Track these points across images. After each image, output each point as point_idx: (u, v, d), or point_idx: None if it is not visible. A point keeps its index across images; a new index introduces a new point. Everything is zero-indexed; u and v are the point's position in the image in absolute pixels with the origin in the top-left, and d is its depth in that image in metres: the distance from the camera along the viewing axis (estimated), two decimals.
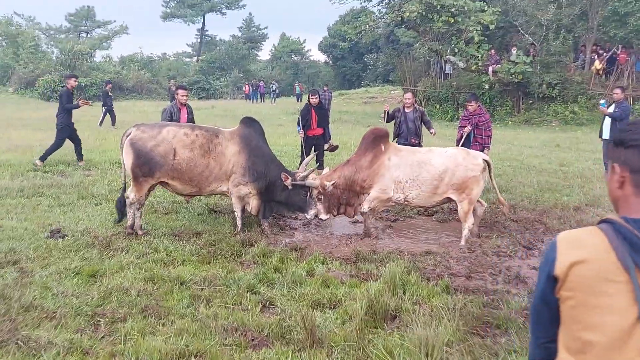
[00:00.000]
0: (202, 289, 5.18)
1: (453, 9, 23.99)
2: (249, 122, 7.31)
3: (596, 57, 25.43)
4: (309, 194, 7.12)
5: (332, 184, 7.10)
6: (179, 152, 6.65)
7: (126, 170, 6.81)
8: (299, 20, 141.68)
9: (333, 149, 9.92)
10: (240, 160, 6.93)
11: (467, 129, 9.21)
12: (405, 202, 7.30)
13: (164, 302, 4.87)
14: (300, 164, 8.31)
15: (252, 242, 6.58)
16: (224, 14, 65.88)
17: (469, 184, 6.98)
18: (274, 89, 43.15)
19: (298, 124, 9.99)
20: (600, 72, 25.02)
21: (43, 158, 11.15)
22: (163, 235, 6.85)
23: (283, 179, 7.02)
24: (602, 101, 11.27)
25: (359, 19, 29.79)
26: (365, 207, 7.16)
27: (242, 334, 4.25)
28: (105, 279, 5.31)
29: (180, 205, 8.34)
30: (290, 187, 7.05)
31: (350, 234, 7.38)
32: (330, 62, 61.79)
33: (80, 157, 11.64)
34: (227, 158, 6.88)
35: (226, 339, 4.16)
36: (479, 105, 9.44)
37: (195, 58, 64.27)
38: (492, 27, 24.67)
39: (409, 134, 9.35)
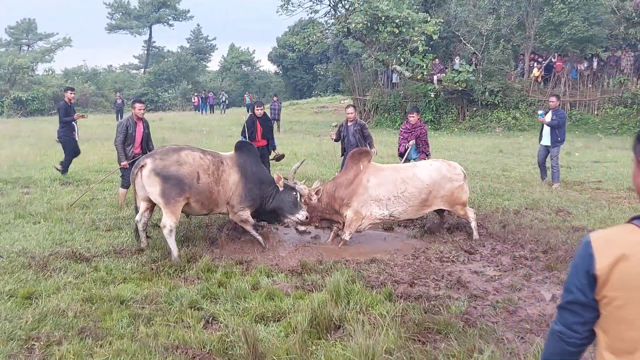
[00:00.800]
0: (142, 307, 5.06)
1: (397, 20, 24.49)
2: (244, 148, 7.40)
3: (534, 65, 26.42)
4: (298, 195, 7.26)
5: (317, 195, 7.33)
6: (200, 176, 6.76)
7: (155, 200, 6.65)
8: (248, 31, 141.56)
9: (279, 158, 9.89)
10: (238, 189, 7.10)
11: (412, 142, 9.38)
12: (391, 218, 7.52)
13: (102, 322, 4.73)
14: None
15: (196, 257, 6.49)
16: (171, 25, 65.34)
17: (456, 193, 7.49)
18: (224, 99, 42.86)
19: (242, 134, 9.91)
20: (539, 79, 26.01)
21: (64, 171, 11.81)
22: (104, 253, 6.67)
23: (276, 180, 7.25)
24: (540, 111, 11.81)
25: (306, 30, 29.97)
26: (347, 235, 7.34)
27: (183, 352, 4.17)
28: (41, 300, 5.11)
29: (123, 221, 8.15)
30: (281, 190, 7.23)
31: (297, 245, 7.37)
32: (281, 72, 61.93)
33: (65, 169, 11.92)
34: (229, 185, 7.05)
35: (166, 358, 4.08)
36: (419, 118, 9.66)
37: (143, 70, 63.28)
38: (435, 37, 25.32)
39: (349, 146, 9.42)
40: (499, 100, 25.41)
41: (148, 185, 6.58)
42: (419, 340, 4.37)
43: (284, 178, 7.38)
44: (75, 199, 9.40)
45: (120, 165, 8.90)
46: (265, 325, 4.74)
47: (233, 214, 7.16)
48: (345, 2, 27.13)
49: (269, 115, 25.37)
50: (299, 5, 27.11)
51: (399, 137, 9.81)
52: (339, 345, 4.27)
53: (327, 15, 28.78)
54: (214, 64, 73.29)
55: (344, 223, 7.42)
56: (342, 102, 38.65)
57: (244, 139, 9.67)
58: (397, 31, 24.88)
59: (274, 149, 9.94)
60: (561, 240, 7.14)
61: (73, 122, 11.76)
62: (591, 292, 1.65)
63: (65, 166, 11.87)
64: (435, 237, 7.59)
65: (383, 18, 24.65)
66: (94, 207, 9.13)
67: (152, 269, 6.10)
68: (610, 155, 16.40)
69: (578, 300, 1.69)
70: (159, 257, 6.42)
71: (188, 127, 26.85)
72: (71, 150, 11.82)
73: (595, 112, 24.71)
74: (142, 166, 6.62)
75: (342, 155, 9.87)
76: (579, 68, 25.81)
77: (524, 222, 8.19)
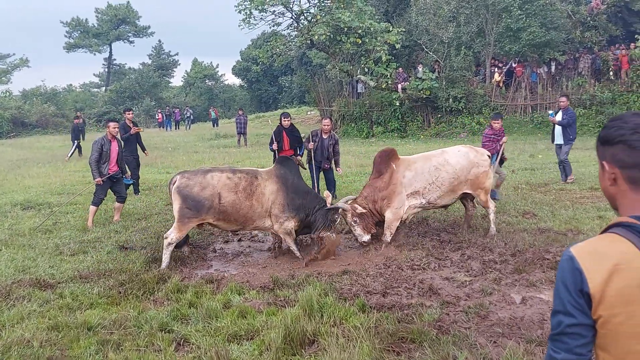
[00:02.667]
0: (111, 332, 4.93)
1: (360, 31, 24.74)
2: (284, 161, 7.64)
3: (495, 70, 26.96)
4: (338, 218, 7.46)
5: (360, 204, 7.54)
6: (223, 195, 6.93)
7: (174, 213, 7.09)
8: (211, 45, 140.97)
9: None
10: (278, 197, 7.21)
11: (505, 139, 9.95)
12: (429, 205, 7.82)
13: (69, 351, 4.59)
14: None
15: (165, 278, 6.37)
16: (131, 42, 64.72)
17: (481, 178, 7.83)
18: (189, 115, 42.50)
19: (270, 144, 10.34)
20: (500, 84, 26.54)
21: (136, 191, 12.13)
22: (69, 278, 6.49)
23: (325, 196, 7.42)
24: (550, 111, 12.43)
25: (270, 42, 30.01)
26: (387, 236, 7.58)
27: None
28: (5, 332, 4.94)
29: (88, 245, 7.96)
30: (327, 207, 7.34)
31: (267, 261, 7.30)
32: (245, 85, 61.76)
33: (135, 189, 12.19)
34: (267, 197, 7.18)
35: None
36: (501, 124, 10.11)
37: (104, 88, 62.32)
38: (398, 46, 25.64)
39: (322, 158, 9.93)
40: (463, 106, 25.82)
41: (173, 200, 7.05)
42: (394, 351, 4.36)
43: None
44: (39, 223, 9.17)
45: (95, 181, 9.17)
46: (238, 344, 4.66)
47: (279, 225, 7.24)
48: (308, 14, 27.28)
49: (236, 129, 25.39)
50: (261, 18, 27.14)
51: (482, 143, 10.01)
52: None
53: (290, 28, 28.89)
54: (177, 80, 72.80)
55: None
56: (308, 113, 38.74)
57: (271, 149, 10.28)
58: (360, 41, 25.13)
59: (302, 155, 10.40)
60: (528, 242, 7.24)
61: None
62: (589, 311, 1.55)
63: (136, 188, 12.15)
64: (405, 244, 7.61)
65: (345, 29, 24.88)
66: (58, 231, 8.90)
67: (120, 292, 5.95)
68: (572, 156, 16.73)
69: (582, 322, 1.56)
70: (126, 280, 6.27)
71: (153, 144, 26.48)
72: (134, 169, 11.76)
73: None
74: (173, 182, 7.11)
75: (307, 162, 10.04)
76: (538, 72, 26.41)
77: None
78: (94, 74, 71.90)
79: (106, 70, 65.58)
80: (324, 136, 9.99)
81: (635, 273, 1.50)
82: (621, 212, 1.65)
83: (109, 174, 9.21)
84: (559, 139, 12.01)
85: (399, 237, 7.85)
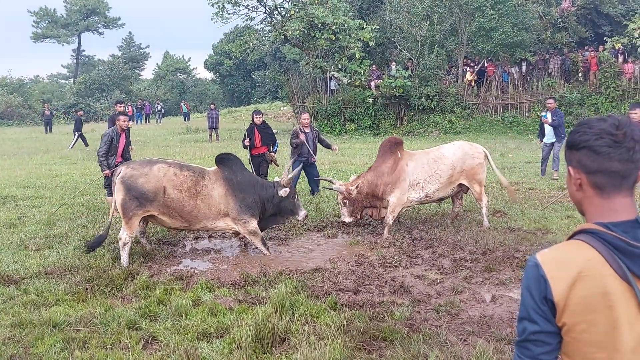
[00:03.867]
0: (77, 330, 4.82)
1: (334, 27, 24.69)
2: (225, 159, 7.35)
3: (467, 69, 27.23)
4: (296, 196, 7.38)
5: (356, 188, 7.82)
6: (168, 190, 6.78)
7: (118, 208, 6.84)
8: (183, 38, 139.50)
9: (270, 160, 10.51)
10: (230, 202, 7.10)
11: None
12: (427, 199, 8.15)
13: (33, 348, 4.47)
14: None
15: (133, 274, 6.25)
16: (101, 33, 63.44)
17: (476, 169, 8.20)
18: (159, 109, 41.90)
19: (243, 141, 10.47)
20: (472, 84, 26.81)
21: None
22: (34, 274, 6.32)
23: (283, 194, 7.28)
24: (543, 113, 12.82)
25: (243, 37, 29.75)
26: (390, 219, 7.92)
27: None
28: None
29: (54, 240, 7.77)
30: (284, 196, 7.28)
31: (238, 258, 7.23)
32: (218, 79, 61.19)
33: None
34: (215, 199, 7.05)
35: None
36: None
37: (72, 80, 61.02)
38: (371, 43, 25.69)
39: (309, 153, 10.33)
40: (435, 105, 26.01)
41: (116, 191, 6.81)
42: (365, 349, 4.35)
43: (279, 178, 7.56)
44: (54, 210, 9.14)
45: (103, 173, 9.24)
46: (208, 342, 4.60)
47: (242, 228, 7.18)
48: (281, 9, 27.12)
49: (207, 124, 25.17)
50: (234, 12, 26.87)
51: None
52: (284, 359, 4.20)
53: (264, 23, 28.67)
54: (148, 73, 71.80)
55: (379, 208, 8.05)
56: (281, 108, 38.59)
57: (245, 146, 10.39)
58: (334, 38, 25.10)
59: (275, 152, 10.60)
60: (499, 241, 7.32)
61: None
62: (554, 319, 1.56)
63: None
64: (377, 242, 7.62)
65: (319, 25, 24.81)
66: (23, 225, 8.67)
67: (87, 289, 5.83)
68: (538, 155, 17.02)
69: (546, 330, 1.56)
70: (93, 277, 6.13)
71: None
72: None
73: (526, 114, 25.69)
74: (117, 173, 6.90)
75: (293, 163, 10.01)
76: (510, 72, 26.77)
77: (463, 224, 8.36)
78: (62, 65, 70.56)
79: (75, 61, 64.19)
80: (307, 130, 10.25)
81: (599, 281, 1.50)
82: (587, 218, 1.65)
83: (115, 165, 9.12)
84: (549, 138, 12.67)
85: (380, 236, 7.88)
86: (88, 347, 4.50)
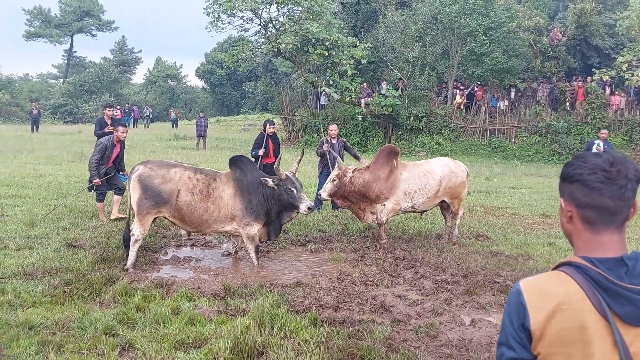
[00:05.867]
0: (53, 333, 4.75)
1: (327, 43, 24.89)
2: (237, 161, 7.36)
3: (457, 92, 27.52)
4: (294, 189, 7.16)
5: (352, 174, 7.99)
6: (182, 193, 6.88)
7: (132, 206, 6.94)
8: (176, 45, 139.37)
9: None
10: (237, 202, 7.12)
11: None
12: (412, 210, 8.47)
13: (8, 350, 4.40)
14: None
15: (113, 279, 6.18)
16: (94, 35, 63.22)
17: (459, 187, 8.54)
18: (148, 114, 41.72)
19: (253, 150, 10.44)
20: (461, 107, 27.09)
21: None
22: (12, 274, 6.23)
23: (264, 182, 7.14)
24: (597, 141, 13.02)
25: (236, 47, 29.83)
26: (383, 218, 8.17)
27: None
28: None
29: (35, 240, 7.67)
30: (276, 188, 7.14)
31: (220, 268, 7.19)
32: (208, 88, 61.18)
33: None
34: (225, 201, 7.09)
35: None
36: None
37: (62, 80, 60.63)
38: (363, 61, 25.91)
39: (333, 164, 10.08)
40: (423, 126, 26.21)
41: (131, 189, 6.87)
42: None
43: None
44: (46, 214, 9.11)
45: (93, 182, 9.14)
46: (185, 352, 4.55)
47: (242, 229, 7.17)
48: (276, 22, 27.27)
49: (195, 132, 25.18)
50: (229, 23, 26.97)
51: None
52: None
53: (258, 34, 28.79)
54: (138, 77, 71.61)
55: (363, 209, 8.23)
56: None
57: (254, 154, 10.29)
58: (327, 54, 25.28)
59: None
60: (480, 265, 7.37)
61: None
62: (530, 347, 1.58)
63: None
64: (360, 260, 7.63)
65: (313, 40, 24.99)
66: (3, 224, 8.55)
67: (65, 292, 5.75)
68: (525, 181, 17.23)
69: (522, 357, 1.58)
70: (72, 280, 6.06)
71: None
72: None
73: (513, 140, 25.98)
74: (135, 170, 6.94)
75: (320, 173, 10.17)
76: (498, 105, 27.07)
77: (446, 246, 8.40)
78: (53, 65, 70.17)
79: (66, 62, 63.83)
80: (333, 141, 10.24)
81: (577, 315, 1.52)
82: (575, 251, 1.67)
83: (106, 174, 9.27)
84: None
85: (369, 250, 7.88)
86: (64, 351, 4.44)
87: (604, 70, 25.50)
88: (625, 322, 1.53)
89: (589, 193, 1.60)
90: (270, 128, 10.63)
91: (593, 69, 27.26)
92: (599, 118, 24.29)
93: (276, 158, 10.25)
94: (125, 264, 6.77)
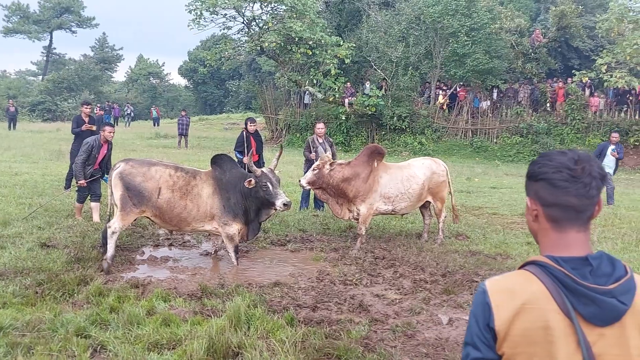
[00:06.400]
0: (23, 335, 4.63)
1: (311, 42, 24.86)
2: (218, 159, 7.31)
3: (440, 93, 27.65)
4: (270, 185, 7.02)
5: (331, 167, 7.92)
6: (162, 191, 6.85)
7: (114, 200, 6.96)
8: (158, 43, 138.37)
9: None
10: (215, 201, 7.06)
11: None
12: (392, 213, 8.40)
13: None
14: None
15: (87, 279, 6.06)
16: (74, 32, 62.41)
17: (441, 187, 8.52)
18: (129, 112, 41.29)
19: (235, 149, 10.13)
20: (444, 107, 27.23)
21: (67, 187, 11.15)
22: None
23: (247, 185, 6.97)
24: (612, 147, 13.23)
25: (219, 45, 29.66)
26: (362, 230, 8.11)
27: None
28: None
29: (7, 240, 7.50)
30: (254, 186, 7.00)
31: (197, 268, 7.10)
32: (191, 86, 60.81)
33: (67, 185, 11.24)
34: (203, 199, 7.03)
35: None
36: None
37: (41, 77, 59.78)
38: (347, 61, 25.92)
39: None
40: (406, 126, 26.30)
41: (113, 185, 6.88)
42: None
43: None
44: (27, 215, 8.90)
45: (78, 183, 9.01)
46: (158, 353, 4.47)
47: (222, 229, 7.10)
48: (259, 20, 27.16)
49: (177, 130, 25.01)
50: (212, 20, 26.80)
51: None
52: None
53: (241, 33, 28.67)
54: (120, 75, 70.91)
55: (340, 205, 8.12)
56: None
57: (237, 155, 10.09)
58: (310, 53, 25.26)
59: (263, 164, 10.26)
60: (459, 264, 7.36)
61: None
62: (495, 347, 1.56)
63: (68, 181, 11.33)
64: (340, 259, 7.59)
65: (297, 39, 24.94)
66: None
67: (37, 292, 5.62)
68: (506, 181, 17.34)
69: (488, 357, 1.56)
70: (45, 280, 5.92)
71: None
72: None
73: (494, 140, 26.18)
74: (116, 167, 6.95)
75: (304, 169, 10.22)
76: (481, 105, 27.24)
77: (426, 245, 8.39)
78: (32, 62, 69.16)
79: (45, 58, 62.94)
80: (320, 140, 10.08)
81: (541, 315, 1.51)
82: (541, 250, 1.66)
83: (91, 175, 9.08)
84: (608, 170, 13.14)
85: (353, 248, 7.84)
86: (33, 353, 4.33)
87: (584, 71, 25.80)
88: (589, 322, 1.51)
89: (554, 192, 1.58)
90: (251, 126, 10.59)
91: (573, 71, 27.57)
92: (578, 119, 24.59)
93: (259, 156, 10.24)
94: (104, 258, 6.73)
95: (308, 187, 8.36)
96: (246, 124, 10.68)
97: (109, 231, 6.81)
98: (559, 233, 1.61)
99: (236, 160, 9.97)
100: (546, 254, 1.61)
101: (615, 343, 1.52)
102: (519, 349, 1.52)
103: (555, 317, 1.51)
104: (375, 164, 8.12)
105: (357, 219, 8.21)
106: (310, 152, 10.28)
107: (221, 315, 5.15)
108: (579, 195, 1.56)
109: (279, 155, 7.67)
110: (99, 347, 4.55)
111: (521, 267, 1.64)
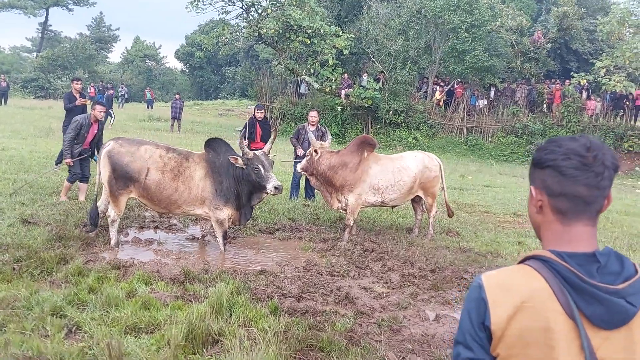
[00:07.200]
0: None
1: (310, 31, 24.61)
2: (212, 142, 7.18)
3: (437, 88, 27.50)
4: (262, 168, 6.87)
5: (320, 154, 7.91)
6: (151, 172, 6.70)
7: (102, 180, 6.84)
8: (156, 25, 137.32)
9: None
10: (207, 184, 6.93)
11: None
12: (382, 204, 8.26)
13: None
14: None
15: (67, 258, 5.89)
16: (70, 10, 61.44)
17: (432, 182, 8.34)
18: (123, 93, 40.81)
19: (243, 135, 9.91)
20: (440, 103, 27.09)
21: (57, 162, 10.66)
22: None
23: (233, 162, 6.87)
24: None
25: (217, 30, 29.35)
26: (350, 220, 7.99)
27: None
28: None
29: None
30: (244, 168, 6.89)
31: (182, 252, 6.94)
32: (187, 71, 60.36)
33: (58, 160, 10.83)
34: (195, 182, 6.90)
35: None
36: None
37: (35, 54, 59.04)
38: (346, 52, 25.69)
39: None
40: (402, 120, 26.16)
41: (101, 165, 6.75)
42: (300, 359, 4.16)
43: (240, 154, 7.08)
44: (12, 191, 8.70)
45: (65, 161, 8.82)
46: (135, 337, 4.32)
47: (212, 213, 6.96)
48: (259, 6, 26.86)
49: (170, 113, 24.76)
50: (210, 4, 26.48)
51: None
52: None
53: (239, 18, 28.34)
54: (115, 55, 70.27)
55: (330, 193, 8.06)
56: (248, 107, 38.17)
57: (243, 139, 9.78)
58: (309, 42, 25.01)
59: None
60: (449, 260, 7.25)
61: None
62: (489, 347, 1.43)
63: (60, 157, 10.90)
64: (328, 250, 7.45)
65: (295, 27, 24.69)
66: None
67: (14, 269, 5.45)
68: (499, 180, 17.26)
69: (480, 358, 1.43)
70: (23, 257, 5.75)
71: None
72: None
73: (490, 139, 26.09)
74: (105, 146, 6.80)
75: (295, 158, 9.93)
76: (477, 104, 27.11)
77: (416, 240, 8.27)
78: (27, 38, 68.23)
79: (40, 35, 62.12)
80: (311, 128, 9.84)
81: (542, 315, 1.38)
82: (543, 244, 1.51)
83: (80, 154, 8.86)
84: None
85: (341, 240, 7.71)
86: (4, 330, 4.17)
87: (582, 74, 25.73)
88: (594, 324, 1.38)
89: (562, 180, 1.45)
90: (259, 113, 10.50)
91: (572, 73, 27.51)
92: (574, 122, 24.54)
93: (265, 143, 10.04)
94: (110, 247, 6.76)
95: (302, 173, 8.30)
96: (254, 111, 10.61)
97: (109, 220, 6.80)
98: (565, 226, 1.46)
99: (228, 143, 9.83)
100: (549, 248, 1.47)
101: (621, 348, 1.39)
102: (516, 351, 1.39)
103: (557, 318, 1.37)
104: (365, 154, 8.00)
105: (346, 210, 8.07)
106: (297, 139, 10.12)
107: (203, 301, 5.01)
108: (590, 186, 1.42)
109: (273, 139, 7.53)
110: (74, 327, 4.40)
111: (521, 262, 1.49)
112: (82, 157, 8.88)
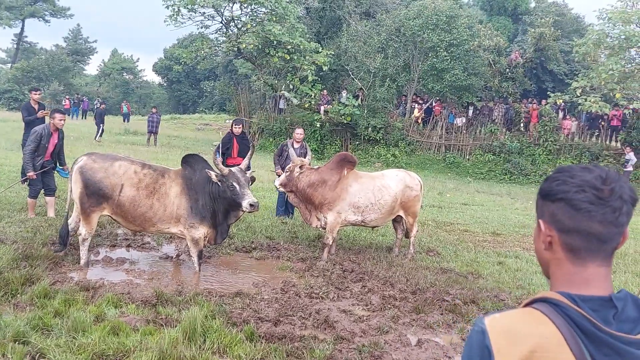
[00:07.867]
0: None
1: (289, 47, 24.61)
2: (189, 158, 6.99)
3: (415, 106, 27.65)
4: (238, 185, 6.65)
5: (301, 170, 7.73)
6: (125, 189, 6.46)
7: (73, 198, 6.58)
8: (134, 39, 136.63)
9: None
10: (182, 201, 6.71)
11: None
12: (362, 224, 8.06)
13: None
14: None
15: (33, 279, 5.61)
16: (47, 21, 60.67)
17: (413, 201, 8.21)
18: (98, 106, 40.22)
19: (216, 150, 9.49)
20: (419, 121, 27.22)
21: (24, 181, 9.65)
22: None
23: (208, 175, 6.70)
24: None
25: (195, 44, 29.17)
26: (329, 239, 7.83)
27: None
28: None
29: None
30: (219, 184, 6.69)
31: (155, 272, 6.68)
32: (165, 84, 59.92)
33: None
34: (171, 199, 6.67)
35: None
36: None
37: (10, 65, 58.06)
38: (325, 68, 25.71)
39: None
40: (381, 137, 26.20)
41: (73, 181, 6.49)
42: None
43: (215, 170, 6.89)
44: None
45: (27, 175, 8.34)
46: None
47: (187, 232, 6.74)
48: (238, 21, 26.78)
49: (147, 127, 24.43)
50: (189, 18, 26.31)
51: None
52: None
53: (219, 33, 28.22)
54: (92, 68, 69.48)
55: (309, 211, 7.87)
56: (226, 121, 37.92)
57: (217, 156, 9.36)
58: (288, 57, 24.98)
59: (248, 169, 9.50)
60: (430, 281, 7.11)
61: None
62: None
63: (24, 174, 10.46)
64: (307, 270, 7.26)
65: (275, 42, 24.64)
66: None
67: None
68: (477, 198, 17.28)
69: None
70: None
71: None
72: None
73: (467, 157, 26.25)
74: (78, 161, 6.56)
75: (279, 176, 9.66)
76: (456, 122, 27.30)
77: (396, 259, 8.13)
78: (1, 49, 67.00)
79: (15, 46, 61.16)
80: (295, 145, 9.66)
81: None
82: (552, 284, 1.37)
83: (42, 164, 8.44)
84: None
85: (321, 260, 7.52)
86: None
87: (558, 94, 26.10)
88: None
89: (575, 215, 1.29)
90: (236, 128, 10.25)
91: (548, 92, 27.89)
92: (551, 141, 24.83)
93: (243, 159, 9.80)
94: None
95: (281, 190, 8.11)
96: (232, 126, 10.38)
97: (80, 239, 6.53)
98: (577, 266, 1.32)
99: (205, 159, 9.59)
100: (559, 290, 1.32)
101: None
102: None
103: None
104: (345, 172, 7.85)
105: (325, 228, 7.91)
106: (280, 156, 9.93)
107: (175, 326, 4.78)
108: (606, 222, 1.28)
109: (251, 154, 7.38)
110: (37, 355, 4.14)
111: (528, 304, 1.34)
112: (45, 169, 8.51)
